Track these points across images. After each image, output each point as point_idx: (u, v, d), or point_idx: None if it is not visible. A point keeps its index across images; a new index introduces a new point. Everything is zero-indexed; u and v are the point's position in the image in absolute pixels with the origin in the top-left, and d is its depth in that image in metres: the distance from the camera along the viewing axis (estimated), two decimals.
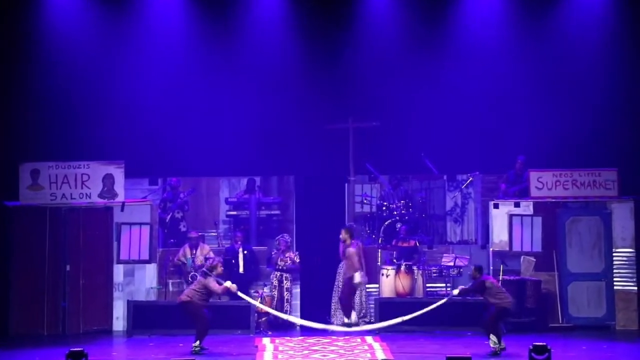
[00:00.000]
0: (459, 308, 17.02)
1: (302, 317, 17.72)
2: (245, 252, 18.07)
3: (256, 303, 16.66)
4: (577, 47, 19.57)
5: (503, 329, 15.71)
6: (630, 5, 19.18)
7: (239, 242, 18.11)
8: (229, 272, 17.78)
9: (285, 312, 17.56)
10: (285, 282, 17.86)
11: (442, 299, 17.02)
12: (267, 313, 17.22)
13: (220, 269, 15.58)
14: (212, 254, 17.68)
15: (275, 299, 17.76)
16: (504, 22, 19.78)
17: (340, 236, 16.91)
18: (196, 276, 16.83)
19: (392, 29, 19.98)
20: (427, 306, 16.66)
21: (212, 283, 15.30)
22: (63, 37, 19.40)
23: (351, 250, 16.62)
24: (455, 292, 15.54)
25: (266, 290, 17.81)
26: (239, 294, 15.84)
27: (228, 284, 15.39)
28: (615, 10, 19.42)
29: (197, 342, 15.14)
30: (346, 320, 16.65)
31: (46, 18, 19.36)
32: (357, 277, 16.46)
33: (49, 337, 17.42)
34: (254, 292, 17.64)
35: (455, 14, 19.87)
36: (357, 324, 16.61)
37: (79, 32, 19.46)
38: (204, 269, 15.88)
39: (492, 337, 15.02)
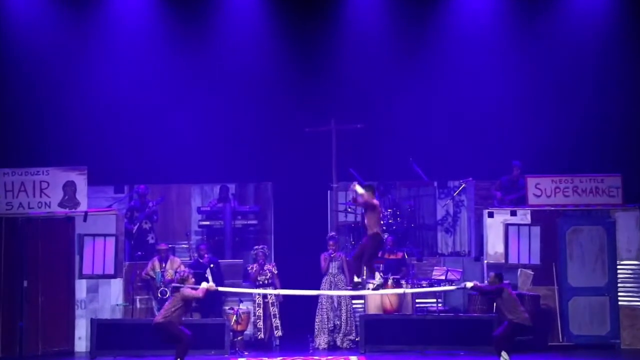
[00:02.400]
0: (452, 326, 16.85)
1: (282, 337, 17.61)
2: (212, 265, 17.87)
3: (246, 290, 17.00)
4: (577, 48, 19.69)
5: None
6: (630, 7, 19.31)
7: (205, 256, 17.93)
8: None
9: (276, 329, 17.49)
10: (269, 297, 17.53)
11: (434, 314, 17.14)
12: (243, 331, 17.18)
13: (191, 281, 15.33)
14: (183, 268, 17.26)
15: (260, 316, 17.52)
16: (496, 24, 19.90)
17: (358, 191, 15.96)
18: (166, 292, 16.74)
19: (377, 25, 20.05)
20: (416, 324, 16.83)
21: (188, 291, 15.09)
22: (23, 37, 19.52)
23: (375, 201, 15.63)
24: (469, 284, 15.26)
25: (242, 306, 17.39)
26: (220, 288, 15.85)
27: (204, 284, 15.17)
28: (616, 11, 19.53)
29: None
30: (370, 284, 16.19)
31: (6, 18, 19.40)
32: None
33: (4, 359, 17.07)
34: (229, 309, 17.34)
35: (446, 16, 19.97)
36: (381, 286, 16.04)
37: (41, 32, 19.58)
38: (174, 284, 15.58)
39: (504, 355, 14.85)
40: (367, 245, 15.46)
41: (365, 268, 15.67)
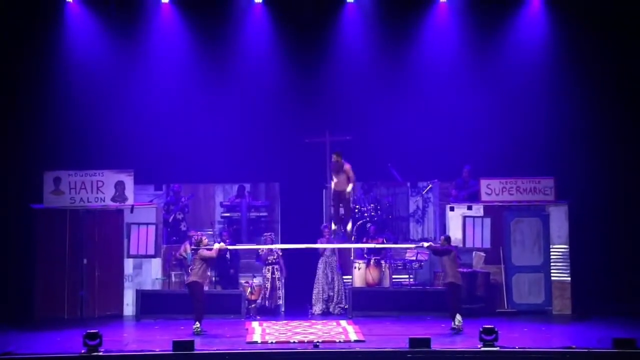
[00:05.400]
0: (421, 296, 17.85)
1: (286, 306, 18.52)
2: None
3: (250, 246, 17.52)
4: (522, 66, 20.07)
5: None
6: (566, 22, 19.76)
7: (227, 241, 18.13)
8: (220, 267, 18.59)
9: (278, 299, 18.29)
10: (276, 273, 18.36)
11: (407, 287, 18.38)
12: (256, 300, 18.04)
13: (205, 241, 15.89)
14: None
15: (269, 288, 18.28)
16: (458, 47, 20.34)
17: (334, 159, 16.82)
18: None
19: (363, 50, 20.50)
20: (393, 295, 17.88)
21: (204, 252, 15.63)
22: (80, 59, 19.86)
23: (347, 165, 16.50)
24: (426, 244, 16.06)
25: (255, 280, 18.36)
26: (231, 247, 16.58)
27: (217, 245, 15.81)
28: (554, 29, 20.00)
29: (197, 324, 15.66)
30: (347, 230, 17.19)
31: (64, 39, 19.82)
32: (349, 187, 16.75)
33: (68, 320, 17.94)
34: (245, 283, 18.29)
35: (417, 38, 20.39)
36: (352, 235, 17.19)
37: (93, 54, 19.93)
38: (192, 246, 16.23)
39: (458, 317, 15.64)
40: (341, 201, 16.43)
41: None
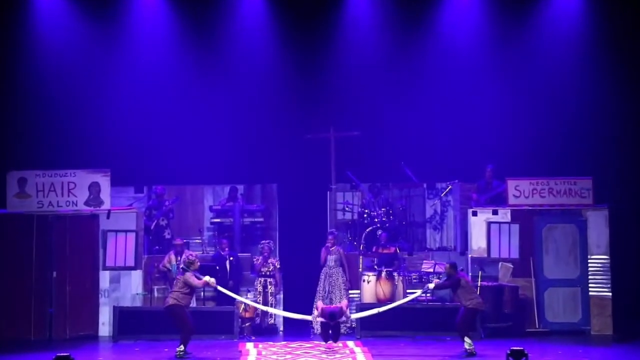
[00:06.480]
0: (439, 313, 17.25)
1: (285, 324, 18.23)
2: (232, 258, 18.20)
3: (238, 297, 16.75)
4: (551, 57, 19.89)
5: (481, 333, 16.03)
6: (603, 15, 19.59)
7: (226, 249, 18.24)
8: (218, 279, 17.48)
9: (270, 317, 17.92)
10: (269, 287, 17.94)
11: (423, 303, 17.58)
12: (251, 318, 17.54)
13: (197, 264, 15.58)
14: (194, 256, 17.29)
15: (261, 304, 17.72)
16: (480, 35, 20.14)
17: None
18: None
19: (372, 40, 20.34)
20: (407, 312, 17.16)
21: (192, 278, 15.34)
22: (49, 47, 19.68)
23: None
24: (431, 285, 15.64)
25: (249, 295, 17.92)
26: (219, 288, 16.00)
27: (207, 278, 15.42)
28: (589, 20, 19.79)
29: (182, 347, 15.16)
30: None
31: (31, 28, 19.65)
32: None
33: (35, 342, 17.43)
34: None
35: (433, 26, 20.20)
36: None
37: (65, 42, 19.75)
38: (181, 265, 15.90)
39: (467, 340, 15.18)
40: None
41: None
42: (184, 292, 15.34)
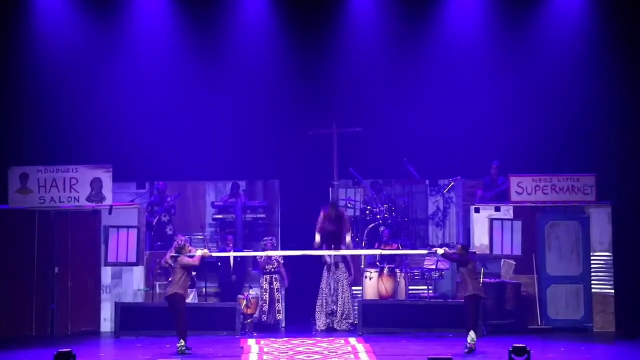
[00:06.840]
0: (441, 310, 17.23)
1: (287, 321, 18.17)
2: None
3: (234, 254, 17.23)
4: (555, 53, 19.85)
5: (483, 330, 15.99)
6: (607, 12, 19.49)
7: (231, 245, 18.23)
8: (217, 275, 18.28)
9: (278, 313, 17.93)
10: (275, 283, 17.98)
11: (425, 300, 17.64)
12: (253, 314, 17.56)
13: (188, 248, 15.50)
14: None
15: (267, 300, 17.91)
16: (483, 30, 20.07)
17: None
18: None
19: (375, 36, 20.27)
20: (409, 308, 17.26)
21: (185, 259, 15.29)
22: (51, 43, 19.61)
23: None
24: (440, 251, 15.67)
25: (252, 292, 17.89)
26: (214, 254, 16.13)
27: (200, 252, 15.42)
28: (593, 16, 19.70)
29: (182, 342, 15.09)
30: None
31: (33, 24, 19.58)
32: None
33: (37, 338, 17.45)
34: (240, 295, 17.80)
35: (436, 23, 20.14)
36: None
37: (67, 38, 19.68)
38: (173, 253, 15.73)
39: (471, 334, 15.12)
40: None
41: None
42: (184, 278, 15.30)
